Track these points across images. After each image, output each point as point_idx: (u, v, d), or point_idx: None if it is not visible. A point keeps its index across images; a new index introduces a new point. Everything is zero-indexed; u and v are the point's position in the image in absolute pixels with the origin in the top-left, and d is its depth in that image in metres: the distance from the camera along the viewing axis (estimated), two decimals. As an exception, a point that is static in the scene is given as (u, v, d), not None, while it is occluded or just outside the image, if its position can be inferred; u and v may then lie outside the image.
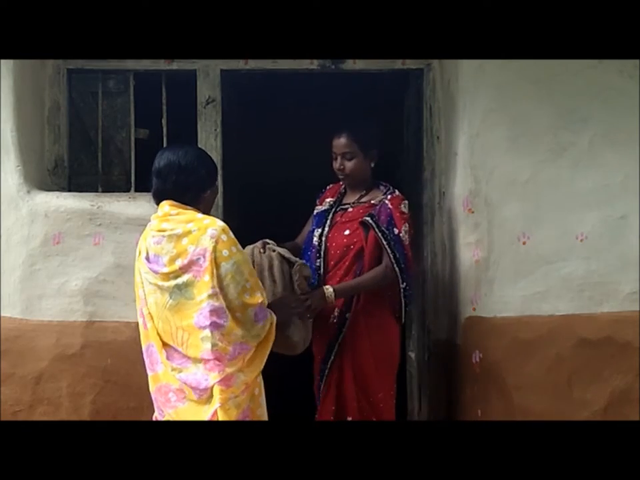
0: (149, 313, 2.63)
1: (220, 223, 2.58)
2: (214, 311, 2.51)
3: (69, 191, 3.64)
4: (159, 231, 2.61)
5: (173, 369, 2.58)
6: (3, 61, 3.39)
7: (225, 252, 2.52)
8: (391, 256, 3.15)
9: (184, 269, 2.54)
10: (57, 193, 3.51)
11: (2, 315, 3.44)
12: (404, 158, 4.01)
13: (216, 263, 2.51)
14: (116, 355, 3.36)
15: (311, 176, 3.86)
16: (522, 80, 3.38)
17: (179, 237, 2.56)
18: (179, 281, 2.54)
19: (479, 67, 3.39)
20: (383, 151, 3.31)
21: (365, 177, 3.32)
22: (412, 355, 3.87)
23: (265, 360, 2.63)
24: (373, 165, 3.28)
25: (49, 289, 3.43)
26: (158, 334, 2.61)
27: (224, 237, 2.54)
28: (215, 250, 2.51)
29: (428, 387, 3.73)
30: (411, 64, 3.70)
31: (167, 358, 2.59)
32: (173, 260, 2.56)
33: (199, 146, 3.63)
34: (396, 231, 3.16)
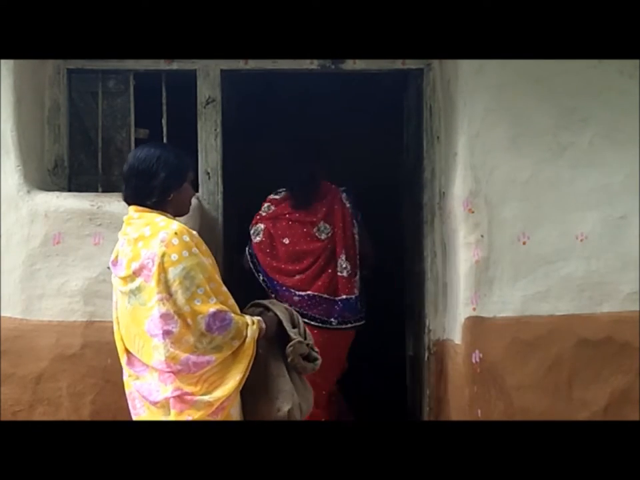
0: (117, 317, 2.61)
1: (173, 227, 2.46)
2: (162, 318, 2.42)
3: (69, 190, 3.64)
4: (124, 234, 2.58)
5: (130, 375, 2.55)
6: (2, 61, 3.39)
7: (174, 256, 2.41)
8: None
9: (137, 273, 2.47)
10: (57, 193, 3.51)
11: (2, 314, 3.44)
12: (404, 158, 4.00)
13: (163, 267, 2.41)
14: (116, 355, 3.34)
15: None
16: (522, 80, 3.38)
17: (135, 240, 2.50)
18: (133, 285, 2.48)
19: (479, 67, 3.38)
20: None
21: None
22: (412, 354, 3.87)
23: (240, 380, 2.47)
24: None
25: (48, 289, 3.42)
26: (121, 339, 2.58)
27: (175, 241, 2.42)
28: (163, 254, 2.42)
29: (428, 387, 3.73)
30: (411, 64, 3.69)
31: (127, 364, 2.56)
32: (129, 263, 2.50)
33: (199, 146, 3.65)
34: None
